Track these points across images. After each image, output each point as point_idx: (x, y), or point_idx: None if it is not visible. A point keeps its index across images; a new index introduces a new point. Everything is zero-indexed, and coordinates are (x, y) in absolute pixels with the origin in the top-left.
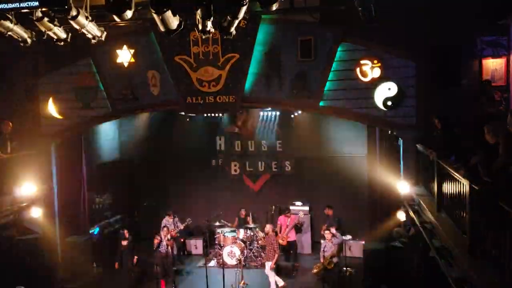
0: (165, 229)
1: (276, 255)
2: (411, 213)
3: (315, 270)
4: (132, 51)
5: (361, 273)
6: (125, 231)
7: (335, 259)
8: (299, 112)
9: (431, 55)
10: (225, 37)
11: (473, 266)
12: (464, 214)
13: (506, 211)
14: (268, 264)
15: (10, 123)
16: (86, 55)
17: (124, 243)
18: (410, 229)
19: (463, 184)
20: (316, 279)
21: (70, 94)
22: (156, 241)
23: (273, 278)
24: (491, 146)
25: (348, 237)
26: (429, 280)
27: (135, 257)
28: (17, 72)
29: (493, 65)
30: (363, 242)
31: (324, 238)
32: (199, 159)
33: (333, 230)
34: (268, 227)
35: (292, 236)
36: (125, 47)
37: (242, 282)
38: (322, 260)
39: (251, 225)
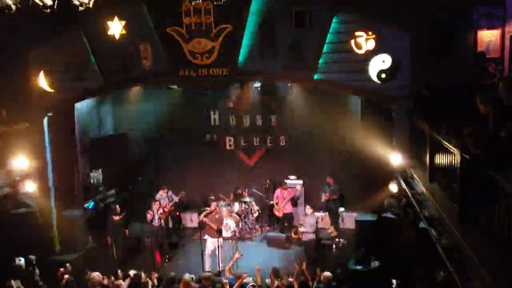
0: (157, 203)
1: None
2: (403, 185)
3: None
4: (123, 22)
5: (353, 244)
6: (117, 206)
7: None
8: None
9: (425, 27)
10: (215, 2)
11: (463, 234)
12: (455, 184)
13: (496, 180)
14: (211, 241)
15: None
16: (77, 27)
17: (116, 218)
18: (402, 200)
19: (454, 154)
20: (312, 249)
21: (61, 67)
22: (148, 216)
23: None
24: (483, 115)
25: (341, 209)
26: (421, 250)
27: (125, 230)
28: (6, 45)
29: (488, 36)
30: (356, 214)
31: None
32: (193, 134)
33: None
34: (213, 205)
35: (289, 209)
36: (116, 18)
37: (237, 253)
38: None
39: (246, 198)
